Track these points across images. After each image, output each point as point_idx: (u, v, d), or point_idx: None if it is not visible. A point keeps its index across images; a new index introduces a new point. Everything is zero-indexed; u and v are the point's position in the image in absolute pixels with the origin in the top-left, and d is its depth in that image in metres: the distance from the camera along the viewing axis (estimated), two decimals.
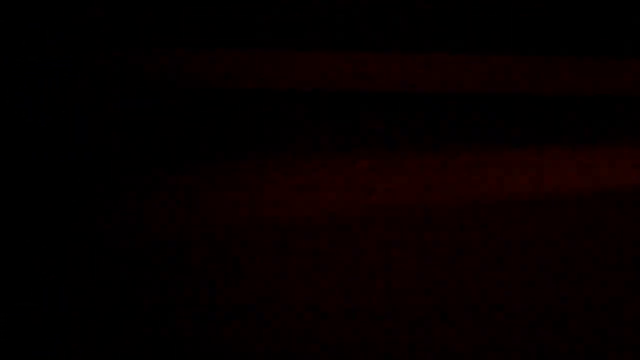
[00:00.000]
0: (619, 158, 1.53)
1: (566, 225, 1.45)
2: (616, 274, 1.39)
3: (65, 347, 1.25)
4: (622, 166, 1.52)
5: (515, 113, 1.54)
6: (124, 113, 1.33)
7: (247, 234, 1.35)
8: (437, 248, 1.41)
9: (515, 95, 1.54)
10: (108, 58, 1.35)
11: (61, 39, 1.30)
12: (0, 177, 1.32)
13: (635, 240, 1.44)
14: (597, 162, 1.53)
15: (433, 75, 1.48)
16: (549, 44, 1.52)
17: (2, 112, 1.31)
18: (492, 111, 1.51)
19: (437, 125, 1.49)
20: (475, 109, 1.52)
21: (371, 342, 1.23)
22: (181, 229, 1.33)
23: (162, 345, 1.27)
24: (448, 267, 1.40)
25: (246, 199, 1.38)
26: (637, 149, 1.53)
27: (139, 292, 1.34)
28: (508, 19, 1.49)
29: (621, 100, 1.58)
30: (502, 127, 1.51)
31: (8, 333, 1.27)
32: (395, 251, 1.40)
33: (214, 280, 1.36)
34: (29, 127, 1.32)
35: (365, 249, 1.40)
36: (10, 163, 1.32)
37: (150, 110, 1.36)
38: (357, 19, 1.43)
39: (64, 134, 1.34)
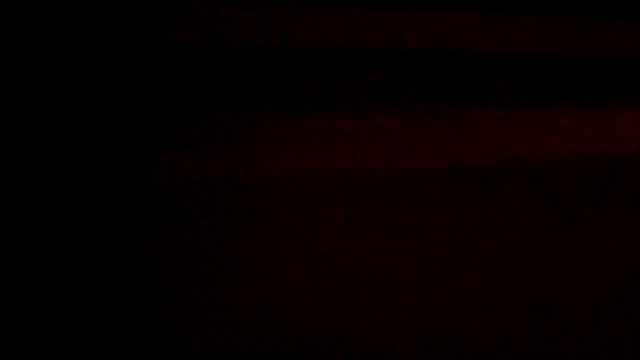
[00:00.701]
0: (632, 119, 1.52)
1: (587, 186, 1.44)
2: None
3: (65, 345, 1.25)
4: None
5: (527, 73, 1.53)
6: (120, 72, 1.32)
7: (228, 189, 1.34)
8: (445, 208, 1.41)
9: (527, 56, 1.53)
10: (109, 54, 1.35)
11: (61, 39, 1.30)
12: (0, 177, 1.32)
13: None
14: (614, 123, 1.51)
15: (441, 33, 1.48)
16: (555, 3, 1.52)
17: (2, 112, 1.31)
18: (499, 71, 1.51)
19: (445, 84, 1.49)
20: (484, 68, 1.51)
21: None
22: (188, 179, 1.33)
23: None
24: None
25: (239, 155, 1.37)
26: None
27: (140, 292, 1.33)
28: None
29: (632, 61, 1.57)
30: (515, 87, 1.51)
31: (8, 333, 1.27)
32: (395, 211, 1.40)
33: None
34: (29, 127, 1.32)
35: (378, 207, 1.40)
36: (10, 163, 1.32)
37: (147, 65, 1.35)
38: None
39: (63, 134, 1.34)
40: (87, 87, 1.33)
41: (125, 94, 1.36)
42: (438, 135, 1.43)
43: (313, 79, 1.42)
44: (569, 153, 1.46)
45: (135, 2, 1.33)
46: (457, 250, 1.43)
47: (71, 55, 1.32)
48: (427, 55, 1.47)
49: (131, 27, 1.34)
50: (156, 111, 1.36)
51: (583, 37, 1.52)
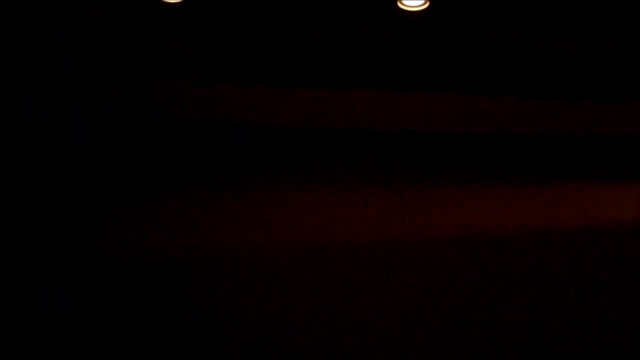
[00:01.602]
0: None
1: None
2: None
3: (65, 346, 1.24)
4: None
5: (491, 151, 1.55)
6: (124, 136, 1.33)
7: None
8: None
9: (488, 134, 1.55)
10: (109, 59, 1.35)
11: (61, 39, 1.30)
12: (0, 177, 1.32)
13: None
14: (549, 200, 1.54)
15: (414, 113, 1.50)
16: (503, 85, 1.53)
17: (2, 112, 1.31)
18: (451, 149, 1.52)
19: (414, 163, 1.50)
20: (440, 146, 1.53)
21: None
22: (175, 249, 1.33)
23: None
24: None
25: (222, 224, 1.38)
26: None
27: (135, 295, 1.33)
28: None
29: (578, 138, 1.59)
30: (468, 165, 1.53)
31: (8, 333, 1.27)
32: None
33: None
34: (29, 127, 1.32)
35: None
36: (10, 163, 1.32)
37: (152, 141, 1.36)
38: (338, 60, 1.44)
39: (64, 134, 1.33)
40: (87, 87, 1.33)
41: (125, 92, 1.36)
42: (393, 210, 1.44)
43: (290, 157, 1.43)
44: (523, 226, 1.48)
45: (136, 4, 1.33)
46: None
47: (71, 55, 1.32)
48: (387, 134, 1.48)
49: (131, 27, 1.34)
50: (154, 108, 1.36)
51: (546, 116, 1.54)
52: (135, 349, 1.26)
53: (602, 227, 1.49)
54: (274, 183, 1.41)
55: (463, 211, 1.46)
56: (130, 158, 1.35)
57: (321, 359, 1.31)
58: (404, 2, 1.37)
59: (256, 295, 1.33)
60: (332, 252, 1.39)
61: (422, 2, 1.37)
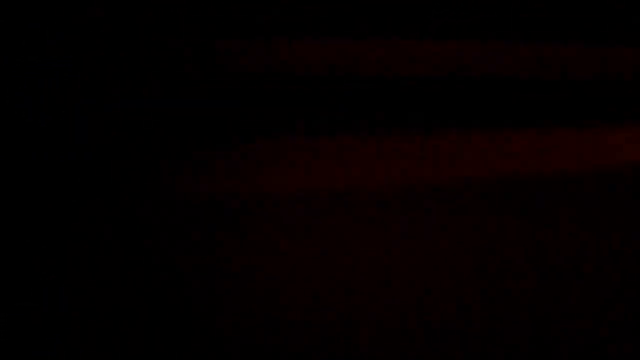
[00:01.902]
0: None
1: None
2: None
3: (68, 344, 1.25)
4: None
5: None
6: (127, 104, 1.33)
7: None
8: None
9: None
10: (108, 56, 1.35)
11: (61, 39, 1.30)
12: (0, 177, 1.32)
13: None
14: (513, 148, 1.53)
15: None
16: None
17: (2, 112, 1.31)
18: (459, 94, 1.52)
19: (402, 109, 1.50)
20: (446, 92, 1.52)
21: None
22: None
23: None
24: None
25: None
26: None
27: (141, 293, 1.34)
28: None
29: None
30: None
31: (8, 333, 1.27)
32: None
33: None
34: (29, 127, 1.32)
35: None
36: (10, 163, 1.32)
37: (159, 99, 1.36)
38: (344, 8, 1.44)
39: (64, 134, 1.34)
40: (87, 87, 1.33)
41: (125, 94, 1.36)
42: (401, 156, 1.44)
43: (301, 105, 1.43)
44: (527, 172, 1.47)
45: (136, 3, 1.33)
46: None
47: (71, 55, 1.32)
48: (391, 81, 1.48)
49: (131, 27, 1.34)
50: (157, 115, 1.36)
51: (537, 60, 1.53)
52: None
53: (605, 171, 1.49)
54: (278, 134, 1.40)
55: (463, 157, 1.46)
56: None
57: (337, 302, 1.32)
58: None
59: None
60: (356, 196, 1.39)
61: None
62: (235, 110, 1.39)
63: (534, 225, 1.45)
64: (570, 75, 1.53)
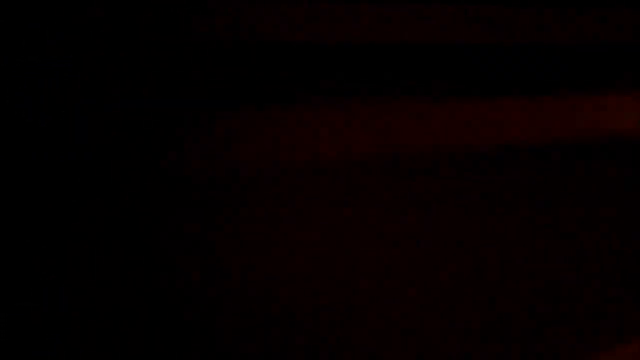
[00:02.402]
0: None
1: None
2: None
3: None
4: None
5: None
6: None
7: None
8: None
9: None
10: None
11: (61, 39, 1.30)
12: (0, 177, 1.32)
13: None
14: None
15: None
16: None
17: (2, 112, 1.31)
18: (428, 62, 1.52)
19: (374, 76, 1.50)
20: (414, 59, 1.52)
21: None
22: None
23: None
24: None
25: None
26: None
27: (142, 292, 1.34)
28: None
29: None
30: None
31: (8, 333, 1.27)
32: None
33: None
34: (29, 127, 1.32)
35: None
36: (10, 163, 1.32)
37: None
38: None
39: (64, 134, 1.34)
40: (87, 87, 1.33)
41: (125, 92, 1.36)
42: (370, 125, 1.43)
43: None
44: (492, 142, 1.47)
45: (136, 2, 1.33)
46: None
47: (71, 55, 1.32)
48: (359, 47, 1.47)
49: (131, 27, 1.34)
50: (154, 109, 1.36)
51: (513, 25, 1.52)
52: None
53: (604, 137, 1.49)
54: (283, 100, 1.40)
55: (462, 124, 1.46)
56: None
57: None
58: None
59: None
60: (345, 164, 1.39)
61: None
62: (220, 80, 1.39)
63: (511, 194, 1.45)
64: (546, 40, 1.52)
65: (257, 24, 1.38)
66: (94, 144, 1.34)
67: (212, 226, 1.37)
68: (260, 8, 1.39)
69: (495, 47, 1.51)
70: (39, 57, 1.30)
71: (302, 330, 1.38)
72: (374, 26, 1.45)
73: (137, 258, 1.33)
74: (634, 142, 1.51)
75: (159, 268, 1.34)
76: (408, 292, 1.43)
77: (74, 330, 1.27)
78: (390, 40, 1.45)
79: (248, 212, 1.35)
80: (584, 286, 1.48)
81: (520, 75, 1.51)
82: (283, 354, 1.37)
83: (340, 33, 1.43)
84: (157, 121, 1.36)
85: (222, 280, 1.36)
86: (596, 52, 1.54)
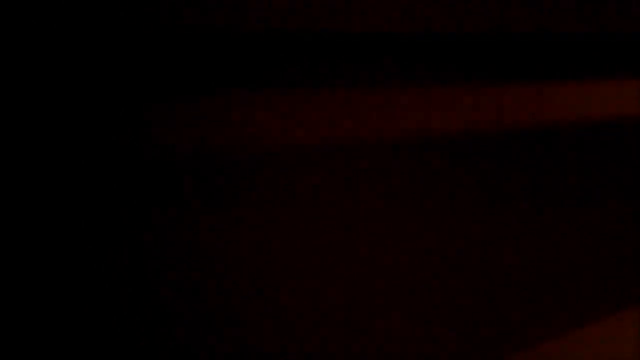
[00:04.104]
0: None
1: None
2: None
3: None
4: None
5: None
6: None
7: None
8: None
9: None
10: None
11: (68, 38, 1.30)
12: (1, 177, 1.32)
13: None
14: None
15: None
16: None
17: (2, 112, 1.31)
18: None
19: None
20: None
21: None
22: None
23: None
24: None
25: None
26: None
27: (142, 290, 1.33)
28: None
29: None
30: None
31: (8, 333, 1.27)
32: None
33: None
34: (29, 127, 1.32)
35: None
36: (10, 163, 1.32)
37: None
38: None
39: (65, 134, 1.34)
40: (87, 87, 1.33)
41: (114, 78, 1.36)
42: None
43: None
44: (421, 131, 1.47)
45: None
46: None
47: (72, 55, 1.32)
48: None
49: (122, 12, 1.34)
50: (149, 93, 1.36)
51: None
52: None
53: (598, 123, 1.50)
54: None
55: (460, 110, 1.46)
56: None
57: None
58: None
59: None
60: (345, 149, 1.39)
61: None
62: (215, 63, 1.38)
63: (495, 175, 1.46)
64: (513, 29, 1.52)
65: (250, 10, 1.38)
66: (79, 130, 1.33)
67: (200, 210, 1.36)
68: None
69: (480, 35, 1.51)
70: (40, 57, 1.30)
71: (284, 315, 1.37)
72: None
73: (136, 255, 1.33)
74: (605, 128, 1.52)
75: (151, 255, 1.33)
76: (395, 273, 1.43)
77: (75, 330, 1.26)
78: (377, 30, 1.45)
79: (223, 196, 1.35)
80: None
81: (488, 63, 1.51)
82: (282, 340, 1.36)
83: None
84: (147, 105, 1.36)
85: (212, 267, 1.36)
86: (563, 41, 1.55)
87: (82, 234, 1.31)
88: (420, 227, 1.43)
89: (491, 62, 1.52)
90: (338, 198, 1.39)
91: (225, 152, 1.35)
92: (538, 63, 1.52)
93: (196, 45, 1.38)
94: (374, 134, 1.42)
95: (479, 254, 1.47)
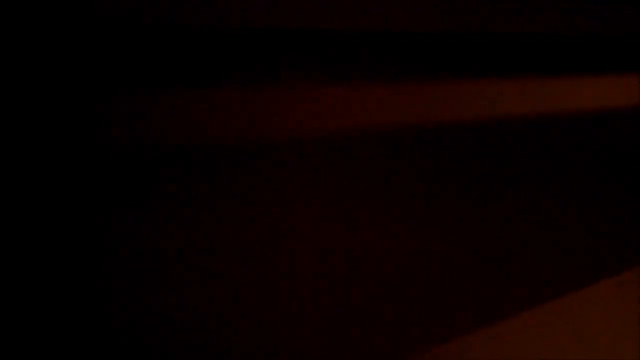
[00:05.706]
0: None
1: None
2: None
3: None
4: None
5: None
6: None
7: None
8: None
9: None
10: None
11: (62, 37, 1.30)
12: (1, 177, 1.32)
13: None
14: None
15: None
16: None
17: (1, 112, 1.31)
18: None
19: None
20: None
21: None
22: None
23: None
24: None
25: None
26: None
27: (142, 290, 1.33)
28: None
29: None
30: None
31: (8, 333, 1.27)
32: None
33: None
34: (29, 127, 1.32)
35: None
36: (10, 163, 1.31)
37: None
38: None
39: (64, 134, 1.33)
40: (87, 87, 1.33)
41: (107, 72, 1.35)
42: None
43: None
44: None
45: None
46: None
47: (71, 54, 1.32)
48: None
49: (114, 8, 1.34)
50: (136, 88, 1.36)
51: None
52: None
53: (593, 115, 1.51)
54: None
55: (461, 102, 1.47)
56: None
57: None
58: None
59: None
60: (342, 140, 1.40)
61: None
62: (211, 57, 1.38)
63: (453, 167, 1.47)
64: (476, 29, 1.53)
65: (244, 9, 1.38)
66: (68, 124, 1.33)
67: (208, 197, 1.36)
68: None
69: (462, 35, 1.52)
70: (39, 57, 1.29)
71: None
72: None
73: (137, 254, 1.33)
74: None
75: (159, 260, 1.33)
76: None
77: (74, 330, 1.26)
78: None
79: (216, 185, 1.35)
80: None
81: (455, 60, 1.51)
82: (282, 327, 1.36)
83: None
84: (141, 98, 1.36)
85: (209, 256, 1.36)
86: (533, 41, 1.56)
87: (82, 233, 1.31)
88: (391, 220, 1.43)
89: (488, 59, 1.52)
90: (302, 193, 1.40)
91: (212, 147, 1.36)
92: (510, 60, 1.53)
93: (184, 42, 1.38)
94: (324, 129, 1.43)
95: (452, 240, 1.47)
